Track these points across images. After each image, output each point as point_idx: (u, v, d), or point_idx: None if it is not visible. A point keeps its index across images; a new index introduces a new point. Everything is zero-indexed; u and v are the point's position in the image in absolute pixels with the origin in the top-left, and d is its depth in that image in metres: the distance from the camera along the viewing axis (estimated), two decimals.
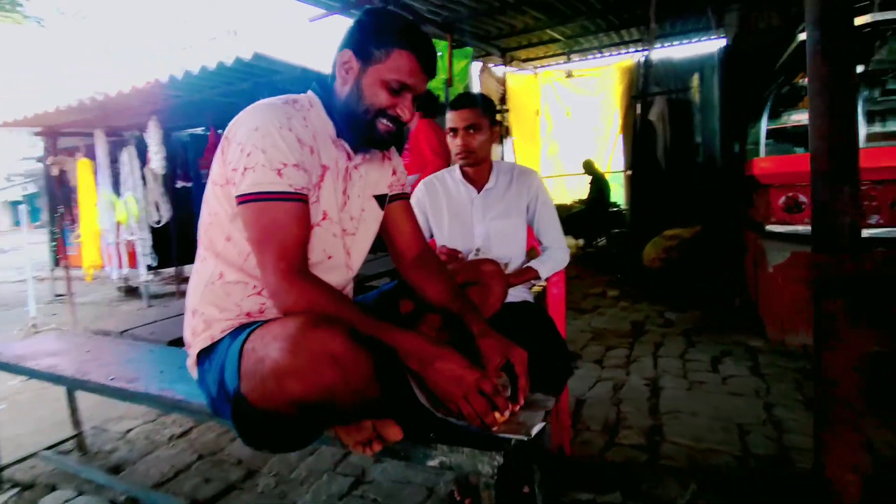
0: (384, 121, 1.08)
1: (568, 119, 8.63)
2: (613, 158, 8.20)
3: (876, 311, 1.23)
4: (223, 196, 1.08)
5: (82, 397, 2.20)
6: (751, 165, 3.06)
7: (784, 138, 3.12)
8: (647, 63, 5.97)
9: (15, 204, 22.21)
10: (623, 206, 7.53)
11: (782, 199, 2.84)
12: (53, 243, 5.94)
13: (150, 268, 4.40)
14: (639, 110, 5.98)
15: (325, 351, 0.82)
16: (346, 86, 1.08)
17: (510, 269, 1.71)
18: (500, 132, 8.67)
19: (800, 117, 3.01)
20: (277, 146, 0.99)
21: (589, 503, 1.62)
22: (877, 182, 2.61)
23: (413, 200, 1.79)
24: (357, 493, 1.76)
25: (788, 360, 2.74)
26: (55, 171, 4.83)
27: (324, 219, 1.11)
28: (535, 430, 0.90)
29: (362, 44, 1.05)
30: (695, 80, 5.71)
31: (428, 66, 1.07)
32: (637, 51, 7.73)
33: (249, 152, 0.99)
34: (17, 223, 22.02)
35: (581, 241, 7.05)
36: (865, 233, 2.58)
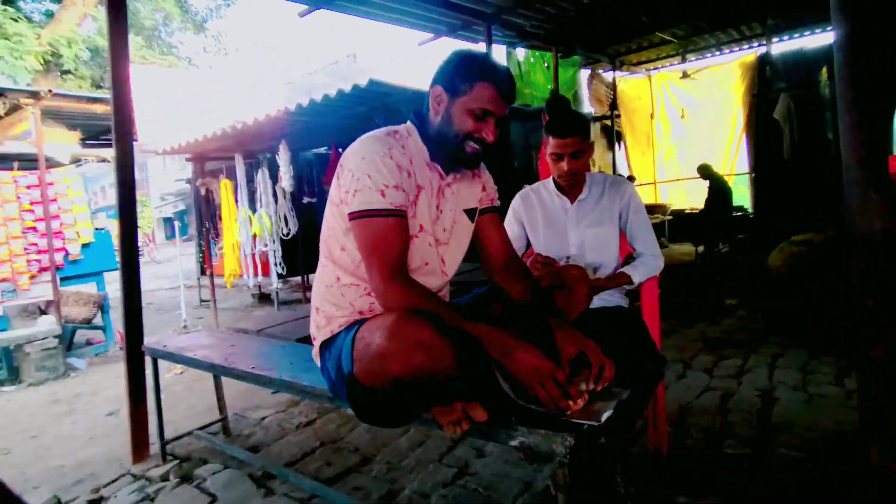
0: (471, 143, 1.27)
1: (685, 121, 8.21)
2: (738, 160, 7.61)
3: None
4: (338, 214, 1.33)
5: (226, 387, 2.65)
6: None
7: None
8: (767, 58, 5.53)
9: (167, 220, 26.19)
10: (749, 210, 6.97)
11: None
12: (200, 255, 6.99)
13: (280, 276, 5.05)
14: (760, 108, 5.56)
15: (415, 338, 1.04)
16: (437, 116, 1.29)
17: (602, 275, 1.80)
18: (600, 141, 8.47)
19: None
20: (381, 172, 1.21)
21: None
22: None
23: (509, 212, 1.96)
24: (460, 482, 1.94)
25: None
26: (203, 191, 5.74)
27: (420, 231, 1.32)
28: (605, 416, 1.01)
29: (450, 80, 1.25)
30: (823, 73, 5.19)
31: (506, 94, 1.25)
32: (759, 45, 7.12)
33: (359, 177, 1.22)
34: (169, 237, 25.87)
35: (701, 248, 6.66)
36: None
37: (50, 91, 4.68)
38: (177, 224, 5.45)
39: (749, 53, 7.26)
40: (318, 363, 1.45)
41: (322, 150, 5.80)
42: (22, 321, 4.58)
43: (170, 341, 2.56)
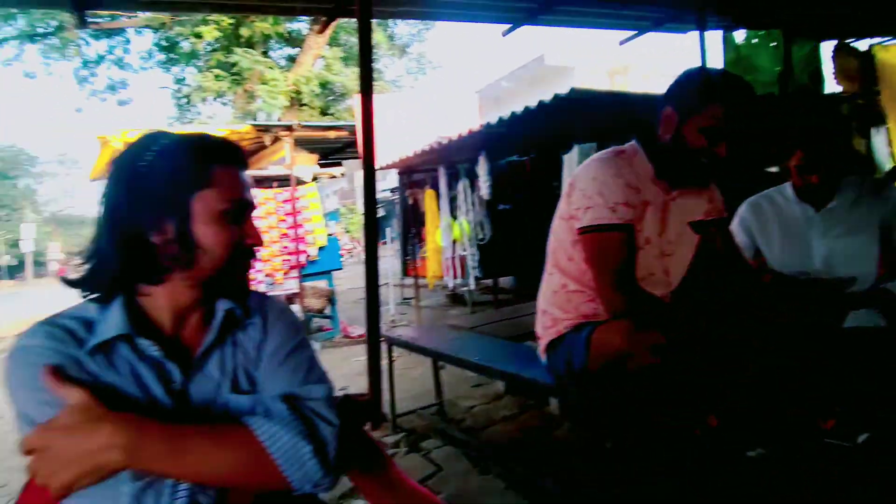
0: (703, 160, 1.33)
1: None
2: None
3: None
4: (567, 228, 1.50)
5: (428, 378, 3.04)
6: None
7: None
8: None
9: None
10: None
11: None
12: (405, 257, 7.92)
13: (477, 279, 5.50)
14: None
15: (643, 341, 1.19)
16: (667, 135, 1.38)
17: (857, 289, 1.64)
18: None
19: None
20: (611, 190, 1.36)
21: None
22: None
23: (736, 221, 1.92)
24: None
25: None
26: (411, 200, 6.52)
27: (647, 243, 1.44)
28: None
29: (681, 100, 1.33)
30: None
31: (739, 111, 1.28)
32: None
33: (590, 195, 1.39)
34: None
35: None
36: None
37: (299, 124, 5.88)
38: (389, 231, 6.29)
39: None
40: (544, 359, 1.65)
41: (515, 158, 6.12)
42: None
43: (397, 331, 3.07)
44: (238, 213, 0.80)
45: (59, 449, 0.64)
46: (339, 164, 8.09)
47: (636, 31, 4.85)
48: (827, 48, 6.69)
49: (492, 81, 14.72)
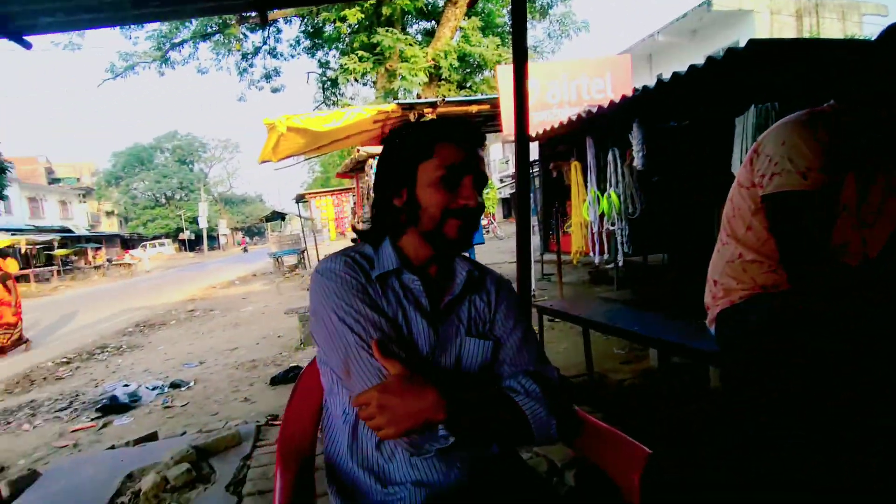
0: None
1: None
2: None
3: None
4: (748, 195, 1.51)
5: (576, 351, 3.15)
6: None
7: None
8: None
9: (504, 200, 30.27)
10: None
11: None
12: (546, 232, 7.98)
13: (625, 255, 5.40)
14: None
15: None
16: (882, 89, 1.32)
17: None
18: None
19: None
20: (803, 155, 1.34)
21: None
22: None
23: None
24: None
25: None
26: (554, 174, 6.55)
27: (843, 212, 1.39)
28: None
29: None
30: None
31: None
32: None
33: (777, 161, 1.38)
34: (506, 216, 30.05)
35: None
36: None
37: (443, 100, 6.22)
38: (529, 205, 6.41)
39: None
40: (712, 329, 1.70)
41: (674, 124, 5.81)
42: None
43: (549, 303, 3.25)
44: (453, 178, 1.00)
45: (395, 406, 0.87)
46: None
47: None
48: None
49: (643, 37, 13.76)
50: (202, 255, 44.34)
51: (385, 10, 11.96)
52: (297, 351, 5.34)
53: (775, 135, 1.43)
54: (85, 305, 12.88)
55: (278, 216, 21.94)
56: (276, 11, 13.12)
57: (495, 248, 14.52)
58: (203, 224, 45.31)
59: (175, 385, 4.48)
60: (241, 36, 15.30)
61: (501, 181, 30.12)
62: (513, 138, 3.03)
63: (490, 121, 7.18)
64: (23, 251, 25.01)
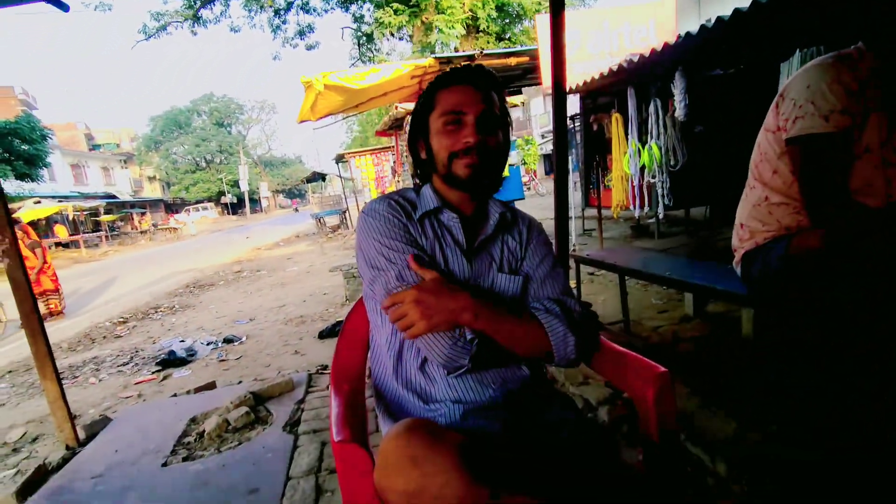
0: None
1: None
2: None
3: None
4: (774, 140, 1.62)
5: (613, 301, 3.30)
6: None
7: None
8: None
9: (546, 157, 29.78)
10: None
11: None
12: (587, 186, 8.00)
13: (666, 207, 5.42)
14: None
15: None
16: None
17: None
18: None
19: None
20: (826, 98, 1.43)
21: None
22: None
23: None
24: None
25: None
26: (595, 127, 6.54)
27: (866, 152, 1.48)
28: None
29: None
30: None
31: None
32: None
33: (801, 105, 1.48)
34: (548, 172, 29.57)
35: None
36: None
37: (482, 52, 6.22)
38: (569, 160, 6.43)
39: None
40: (738, 271, 1.84)
41: (719, 72, 5.68)
42: None
43: (588, 252, 3.40)
44: (454, 122, 1.10)
45: (429, 303, 0.98)
46: (519, 93, 8.31)
47: None
48: None
49: None
50: (245, 217, 45.77)
51: None
52: (343, 307, 5.66)
53: (800, 79, 1.50)
54: (134, 269, 13.67)
55: (319, 177, 22.25)
56: None
57: (537, 204, 14.49)
58: (244, 187, 46.57)
59: (228, 340, 4.76)
60: None
61: (543, 136, 29.59)
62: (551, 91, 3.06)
63: (530, 73, 7.13)
64: (70, 217, 26.26)
